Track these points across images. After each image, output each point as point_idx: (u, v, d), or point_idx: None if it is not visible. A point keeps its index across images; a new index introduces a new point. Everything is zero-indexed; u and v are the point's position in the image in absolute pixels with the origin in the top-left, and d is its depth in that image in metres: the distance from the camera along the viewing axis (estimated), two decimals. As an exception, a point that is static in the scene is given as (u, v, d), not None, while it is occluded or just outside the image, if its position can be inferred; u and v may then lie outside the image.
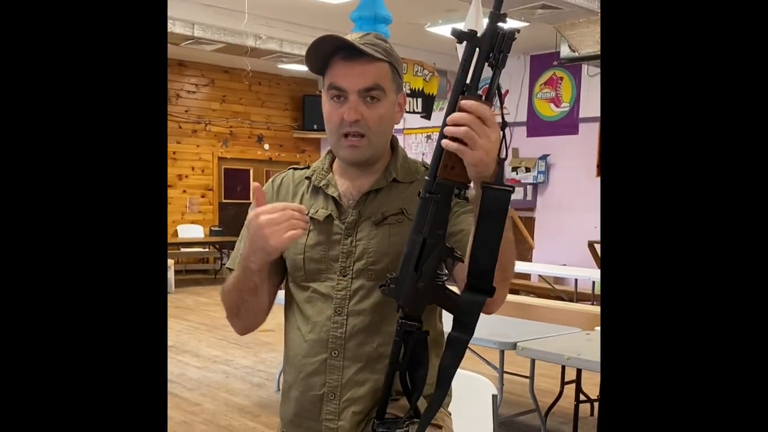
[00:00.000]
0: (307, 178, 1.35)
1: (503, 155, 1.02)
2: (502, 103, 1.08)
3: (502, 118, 1.06)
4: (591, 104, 7.30)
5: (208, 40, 6.49)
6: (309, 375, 1.27)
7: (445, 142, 1.01)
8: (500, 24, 1.01)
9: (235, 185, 9.80)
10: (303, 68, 8.45)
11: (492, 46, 1.01)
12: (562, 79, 7.61)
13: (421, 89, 7.57)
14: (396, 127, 1.33)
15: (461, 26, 1.13)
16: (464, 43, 1.02)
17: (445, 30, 6.28)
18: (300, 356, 1.28)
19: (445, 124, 1.01)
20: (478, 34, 1.01)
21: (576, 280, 6.28)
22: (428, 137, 9.16)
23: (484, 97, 1.03)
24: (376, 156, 1.28)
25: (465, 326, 1.08)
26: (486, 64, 1.02)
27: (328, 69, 1.24)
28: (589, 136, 7.33)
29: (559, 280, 6.96)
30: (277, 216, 1.12)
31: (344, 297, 1.25)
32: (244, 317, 1.29)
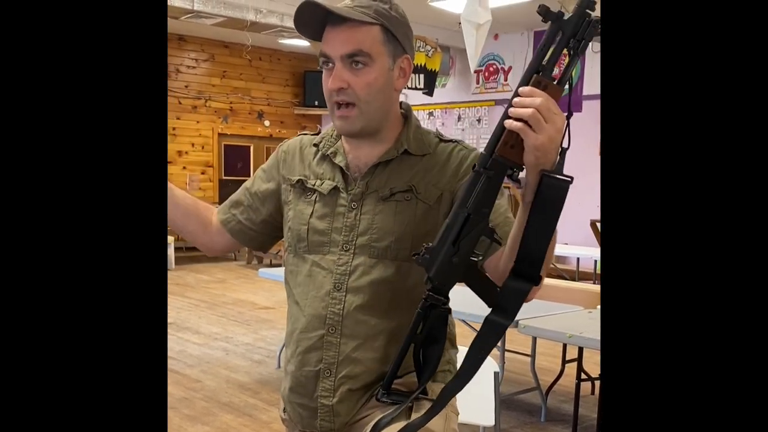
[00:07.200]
0: (314, 145, 1.31)
1: (566, 144, 0.99)
2: (571, 91, 1.05)
3: (569, 106, 1.02)
4: (595, 82, 7.21)
5: (208, 14, 6.41)
6: (305, 350, 1.24)
7: (508, 121, 0.98)
8: (588, 11, 0.99)
9: (235, 162, 9.75)
10: (304, 43, 8.37)
11: (575, 32, 0.99)
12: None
13: (423, 65, 7.50)
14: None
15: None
16: (548, 23, 1.01)
17: (448, 5, 6.18)
18: (298, 331, 1.26)
19: (512, 103, 0.98)
20: (566, 17, 0.99)
21: (578, 258, 6.27)
22: (430, 114, 9.08)
23: (556, 81, 1.01)
24: (371, 127, 1.22)
25: (506, 311, 1.06)
26: (565, 49, 1.01)
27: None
28: (592, 114, 7.19)
29: (560, 258, 6.94)
30: None
31: (344, 273, 1.21)
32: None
